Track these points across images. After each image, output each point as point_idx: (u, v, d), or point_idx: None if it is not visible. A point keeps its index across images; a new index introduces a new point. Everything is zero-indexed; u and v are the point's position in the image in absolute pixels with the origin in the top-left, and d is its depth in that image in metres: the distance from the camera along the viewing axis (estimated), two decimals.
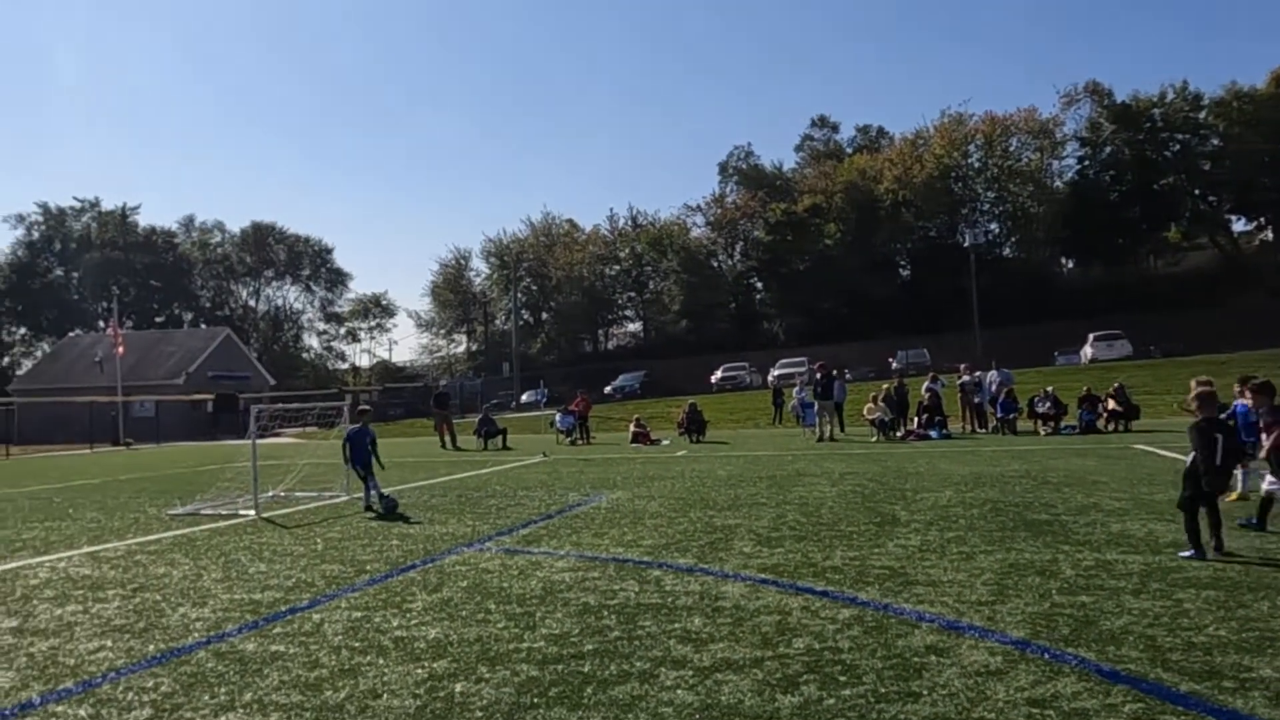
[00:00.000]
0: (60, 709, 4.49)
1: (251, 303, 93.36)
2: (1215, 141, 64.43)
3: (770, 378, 47.23)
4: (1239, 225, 70.34)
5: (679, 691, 4.33)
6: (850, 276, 66.15)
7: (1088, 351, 47.87)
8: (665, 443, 25.43)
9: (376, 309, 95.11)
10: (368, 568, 7.85)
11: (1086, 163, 69.18)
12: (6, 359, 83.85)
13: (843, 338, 60.38)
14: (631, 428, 26.81)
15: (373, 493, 12.19)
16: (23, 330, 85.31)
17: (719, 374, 53.33)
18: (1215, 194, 66.45)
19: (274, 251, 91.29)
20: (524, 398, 56.83)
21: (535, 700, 4.30)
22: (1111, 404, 22.95)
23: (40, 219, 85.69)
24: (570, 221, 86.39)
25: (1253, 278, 59.35)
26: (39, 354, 77.97)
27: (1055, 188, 69.17)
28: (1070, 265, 74.73)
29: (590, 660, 4.89)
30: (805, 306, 69.48)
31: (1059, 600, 5.74)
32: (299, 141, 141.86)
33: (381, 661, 5.04)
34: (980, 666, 4.49)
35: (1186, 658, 4.49)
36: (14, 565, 8.75)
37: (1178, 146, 65.65)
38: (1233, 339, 40.55)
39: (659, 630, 5.43)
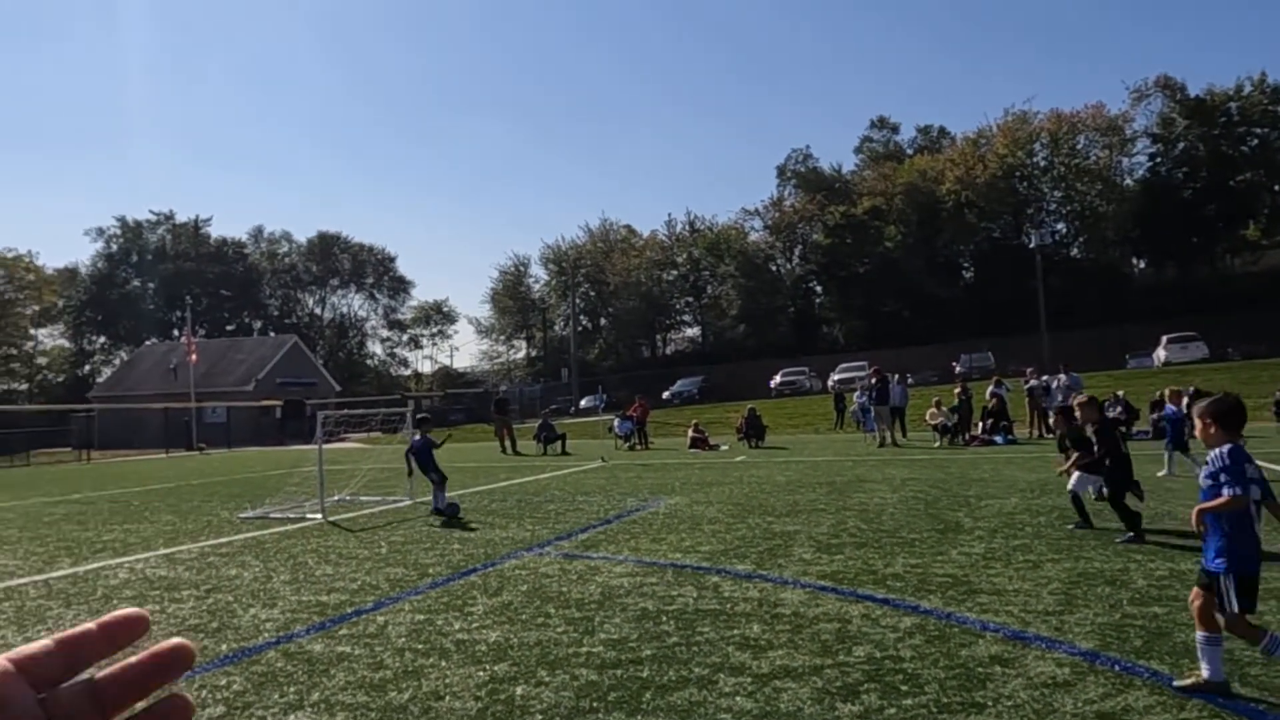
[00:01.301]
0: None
1: (318, 311, 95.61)
2: None
3: (830, 382, 46.74)
4: None
5: (737, 698, 4.31)
6: (912, 279, 65.14)
7: (1161, 354, 46.37)
8: (724, 448, 25.35)
9: (438, 316, 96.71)
10: (430, 571, 7.98)
11: (1158, 160, 67.06)
12: (87, 367, 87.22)
13: (905, 341, 59.45)
14: (690, 433, 26.80)
15: (442, 497, 12.40)
16: (102, 339, 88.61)
17: (778, 379, 52.96)
18: None
19: (339, 260, 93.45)
20: (583, 403, 57.14)
21: (594, 704, 4.32)
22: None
23: (118, 232, 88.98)
24: (628, 227, 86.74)
25: None
26: (117, 362, 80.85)
27: (1125, 186, 67.24)
28: (1142, 265, 72.53)
29: (649, 665, 4.90)
30: (866, 310, 68.60)
31: (1130, 610, 5.58)
32: (361, 154, 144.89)
33: (444, 664, 5.12)
34: (1047, 678, 4.39)
35: (1267, 672, 4.34)
36: (95, 566, 9.08)
37: (1256, 141, 63.29)
38: None
39: (717, 636, 5.42)
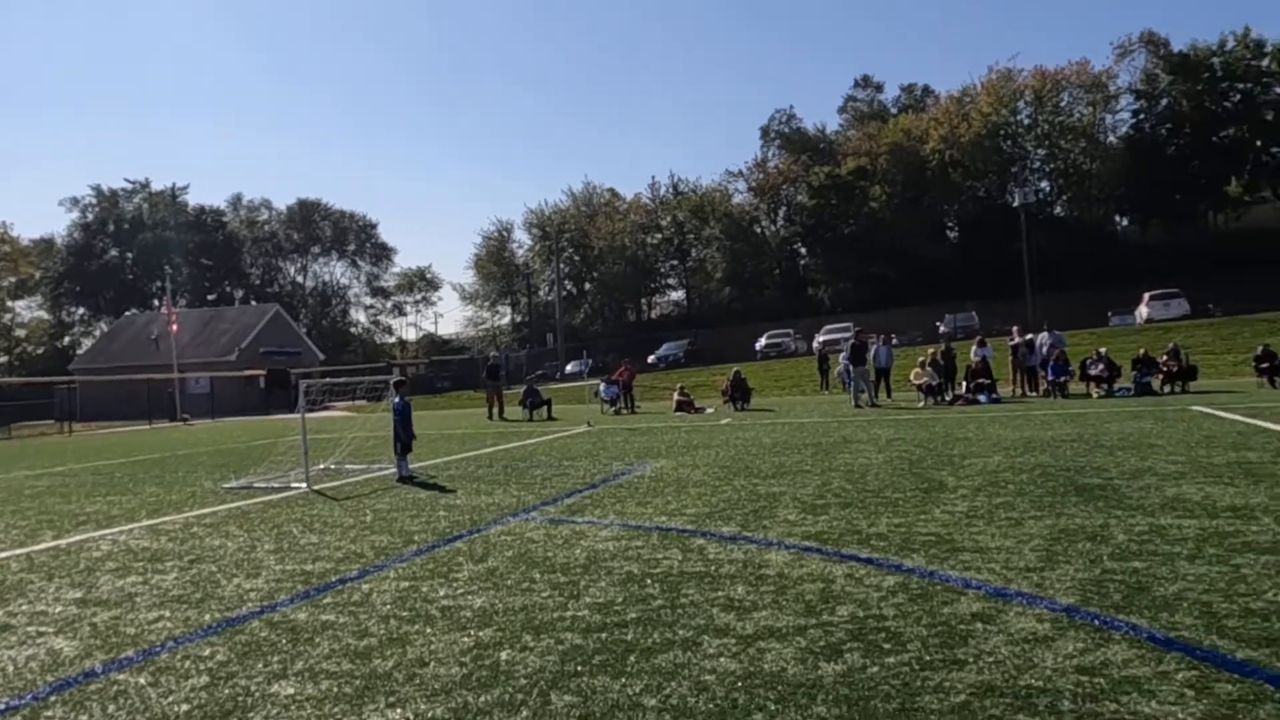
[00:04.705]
0: (122, 677, 4.64)
1: (300, 279, 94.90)
2: (1279, 90, 61.94)
3: (815, 344, 46.85)
4: None
5: (722, 659, 4.33)
6: (898, 240, 65.11)
7: (1143, 311, 46.63)
8: (709, 411, 25.40)
9: (421, 283, 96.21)
10: (415, 538, 7.97)
11: (1142, 116, 66.94)
12: (67, 338, 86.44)
13: (891, 303, 59.56)
14: (675, 396, 26.83)
15: (404, 465, 12.59)
16: (81, 310, 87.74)
17: (763, 341, 53.03)
18: (1279, 145, 63.96)
19: (320, 228, 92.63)
20: (568, 368, 57.09)
21: (579, 668, 4.33)
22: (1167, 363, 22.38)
23: (94, 201, 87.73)
24: (611, 191, 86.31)
25: None
26: (97, 333, 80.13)
27: (1109, 143, 67.21)
28: (1126, 223, 72.69)
29: (634, 628, 4.91)
30: (852, 271, 68.59)
31: (1110, 566, 5.63)
32: (339, 119, 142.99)
33: (429, 630, 5.12)
34: (1028, 634, 4.43)
35: (1244, 624, 4.38)
36: (78, 538, 9.03)
37: (1239, 97, 63.20)
38: None
39: (702, 599, 5.43)
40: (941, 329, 47.03)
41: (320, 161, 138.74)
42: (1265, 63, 62.15)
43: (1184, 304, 45.05)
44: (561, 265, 78.61)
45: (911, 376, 24.54)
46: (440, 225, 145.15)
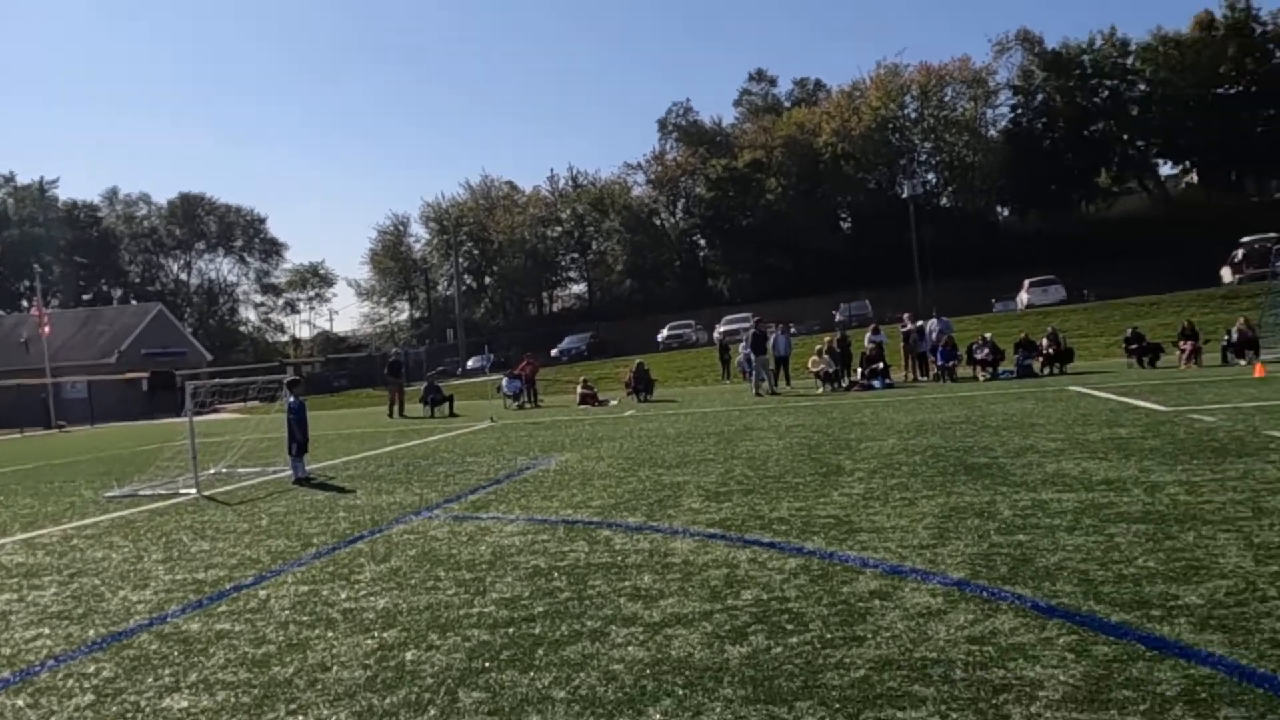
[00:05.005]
0: None
1: (184, 276, 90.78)
2: (1143, 87, 65.71)
3: (716, 334, 47.50)
4: (1166, 169, 72.23)
5: (630, 648, 4.36)
6: (794, 231, 66.42)
7: (1024, 298, 48.87)
8: (613, 403, 25.48)
9: (314, 279, 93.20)
10: (314, 541, 7.76)
11: (1020, 111, 70.06)
12: None
13: (790, 293, 60.75)
14: (579, 389, 26.82)
15: (300, 466, 12.24)
16: None
17: (665, 332, 53.48)
18: (1144, 138, 67.90)
19: (204, 223, 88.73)
20: (470, 363, 56.38)
21: (486, 664, 4.30)
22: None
23: None
24: (510, 184, 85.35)
25: (1181, 220, 60.96)
26: None
27: (990, 137, 70.05)
28: (1007, 213, 76.00)
29: (541, 622, 4.90)
30: (751, 263, 69.70)
31: (997, 540, 5.90)
32: (221, 109, 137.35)
33: (330, 634, 5.00)
34: (922, 608, 4.60)
35: (1117, 590, 4.66)
36: None
37: (1107, 93, 66.78)
38: (1165, 280, 41.72)
39: (609, 589, 5.46)
40: (837, 317, 48.29)
41: (203, 155, 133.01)
42: (1130, 61, 65.85)
43: (1061, 290, 47.40)
44: (460, 259, 77.53)
45: (809, 364, 25.16)
46: (333, 220, 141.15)
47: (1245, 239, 42.67)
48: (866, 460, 9.99)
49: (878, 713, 3.39)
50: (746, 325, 43.34)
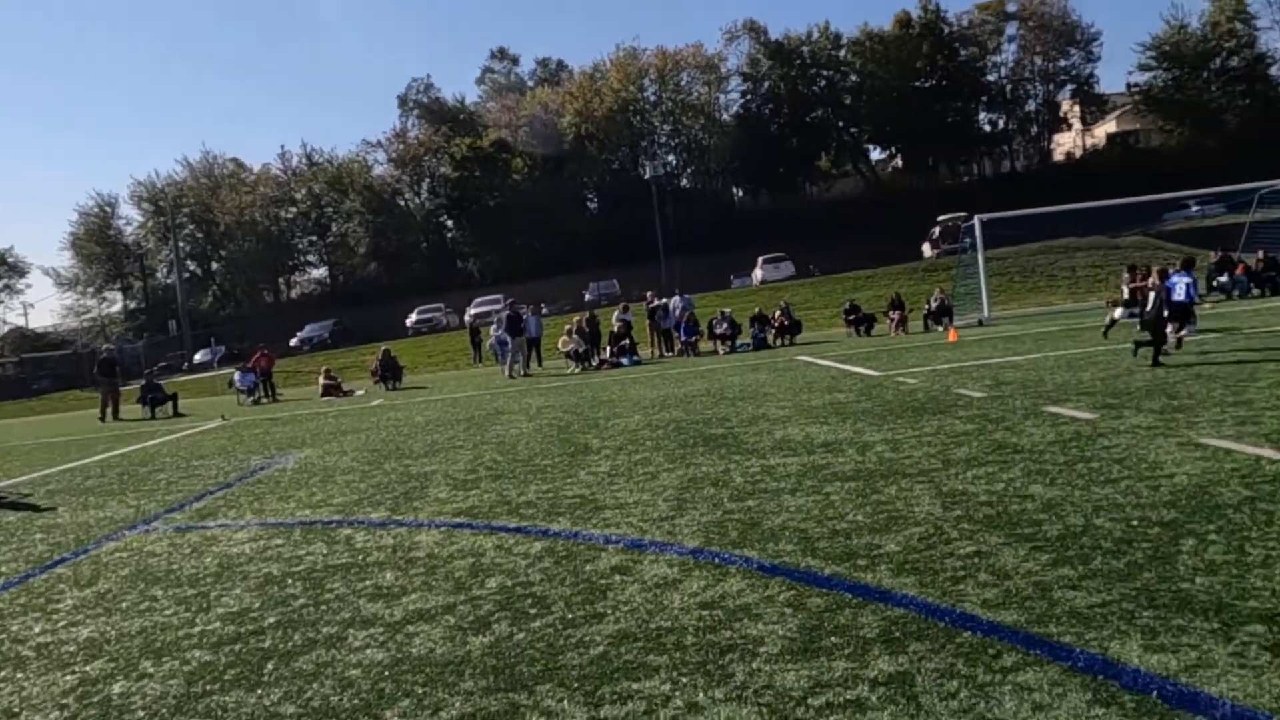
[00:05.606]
0: None
1: None
2: (854, 78, 71.95)
3: (467, 317, 46.89)
4: (876, 154, 79.70)
5: (368, 651, 4.21)
6: (542, 211, 66.75)
7: (758, 274, 52.21)
8: (359, 393, 24.50)
9: (2, 268, 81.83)
10: (2, 570, 6.83)
11: (749, 97, 74.51)
12: None
13: (540, 273, 61.06)
14: (321, 380, 25.54)
15: None
16: None
17: (414, 317, 52.09)
18: (856, 126, 74.44)
19: None
20: (197, 357, 52.09)
21: (209, 687, 3.98)
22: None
23: None
24: (235, 161, 79.25)
25: (889, 201, 67.54)
26: None
27: (724, 121, 73.94)
28: (741, 194, 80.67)
29: (271, 634, 4.61)
30: (500, 243, 69.30)
31: (730, 507, 6.25)
32: None
33: (20, 675, 4.42)
34: (659, 579, 4.79)
35: (831, 544, 5.08)
36: None
37: (824, 82, 72.53)
38: (877, 256, 46.08)
39: (348, 591, 5.24)
40: (587, 297, 49.21)
41: None
42: (843, 54, 71.82)
43: (790, 266, 51.09)
44: (181, 244, 71.03)
45: (560, 344, 25.46)
46: (20, 202, 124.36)
47: (941, 217, 48.06)
48: (613, 438, 10.25)
49: (614, 686, 3.49)
50: (498, 307, 43.17)
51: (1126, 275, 21.35)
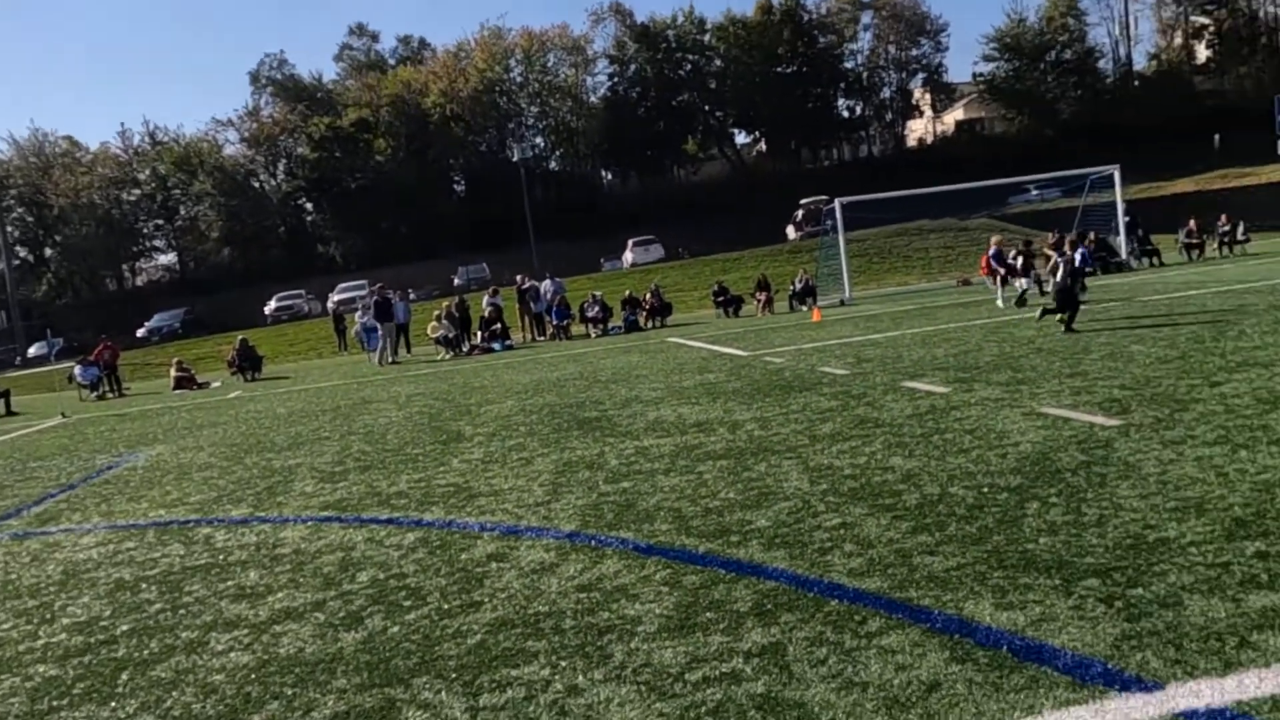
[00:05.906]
0: None
1: None
2: (719, 63, 73.04)
3: (330, 304, 45.30)
4: (741, 138, 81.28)
5: (233, 654, 4.03)
6: (407, 194, 64.99)
7: (628, 257, 52.47)
8: (215, 385, 23.35)
9: None
10: None
11: (616, 80, 74.54)
12: None
13: (406, 258, 59.48)
14: (173, 372, 24.18)
15: None
16: None
17: (273, 304, 49.92)
18: (721, 110, 75.64)
19: None
20: (31, 351, 48.36)
21: (55, 703, 3.73)
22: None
23: None
24: (69, 139, 73.71)
25: (754, 184, 69.05)
26: None
27: (592, 103, 73.73)
28: (610, 176, 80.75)
29: (125, 642, 4.35)
30: (364, 227, 67.12)
31: (605, 490, 6.29)
32: None
33: None
34: (536, 564, 4.78)
35: (705, 522, 5.19)
36: None
37: (690, 66, 73.33)
38: (744, 238, 47.09)
39: (208, 593, 5.00)
40: (456, 281, 48.29)
41: None
42: (707, 38, 72.77)
43: (660, 249, 51.56)
44: (10, 228, 65.67)
45: (429, 330, 24.94)
46: None
47: (804, 200, 49.46)
48: (486, 424, 10.14)
49: (493, 675, 3.47)
50: (363, 293, 41.87)
51: (1052, 238, 22.02)
